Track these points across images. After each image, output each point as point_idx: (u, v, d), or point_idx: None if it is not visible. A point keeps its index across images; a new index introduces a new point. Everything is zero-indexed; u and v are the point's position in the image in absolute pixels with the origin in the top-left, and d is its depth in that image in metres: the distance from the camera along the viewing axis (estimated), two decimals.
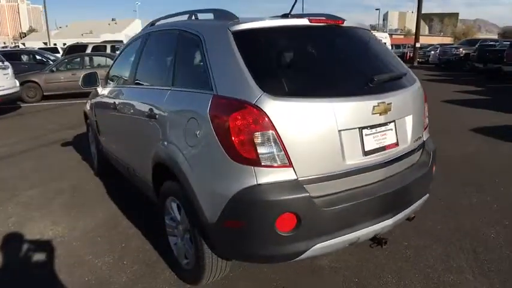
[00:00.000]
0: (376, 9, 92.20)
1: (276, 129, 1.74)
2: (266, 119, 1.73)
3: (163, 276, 2.48)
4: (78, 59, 11.43)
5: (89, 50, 15.48)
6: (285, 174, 1.77)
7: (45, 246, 2.90)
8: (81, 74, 11.51)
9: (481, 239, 2.85)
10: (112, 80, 3.69)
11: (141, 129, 2.66)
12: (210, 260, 2.11)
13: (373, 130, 2.02)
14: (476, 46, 16.63)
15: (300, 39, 2.11)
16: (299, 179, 1.79)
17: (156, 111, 2.37)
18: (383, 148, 2.07)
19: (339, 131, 1.88)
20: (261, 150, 1.73)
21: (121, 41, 24.72)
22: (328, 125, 1.85)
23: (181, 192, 2.13)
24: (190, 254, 2.24)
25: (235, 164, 1.76)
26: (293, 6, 2.28)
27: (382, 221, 2.04)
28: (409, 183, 2.15)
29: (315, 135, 1.82)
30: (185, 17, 2.65)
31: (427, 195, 2.40)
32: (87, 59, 11.58)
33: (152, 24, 3.19)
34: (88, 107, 4.32)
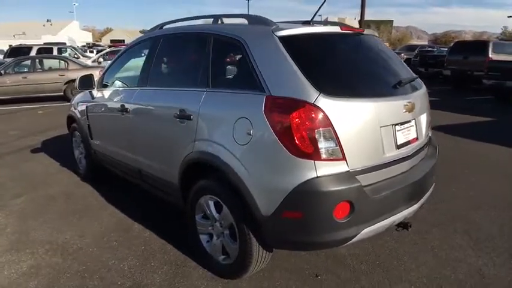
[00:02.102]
0: (319, 16, 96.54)
1: (332, 126, 1.91)
2: (325, 117, 1.89)
3: (197, 274, 2.52)
4: (29, 62, 10.66)
5: (33, 52, 14.48)
6: (340, 167, 1.95)
7: (62, 253, 2.78)
8: (33, 77, 10.75)
9: (469, 221, 3.25)
10: (111, 83, 3.60)
11: (166, 131, 2.67)
12: (257, 252, 2.21)
13: (402, 126, 2.28)
14: (416, 51, 18.17)
15: (336, 44, 2.31)
16: (350, 170, 1.98)
17: (190, 112, 2.41)
18: (408, 142, 2.34)
19: (380, 127, 2.10)
20: (321, 145, 1.90)
21: (63, 43, 23.29)
22: (372, 122, 2.06)
23: (226, 189, 2.22)
24: (232, 248, 2.32)
25: (296, 158, 1.90)
26: (315, 14, 2.49)
27: (411, 206, 2.30)
28: (426, 173, 2.44)
29: (362, 131, 2.03)
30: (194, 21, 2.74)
31: (434, 184, 2.72)
32: (37, 61, 10.83)
33: (161, 27, 3.21)
34: (76, 111, 4.15)
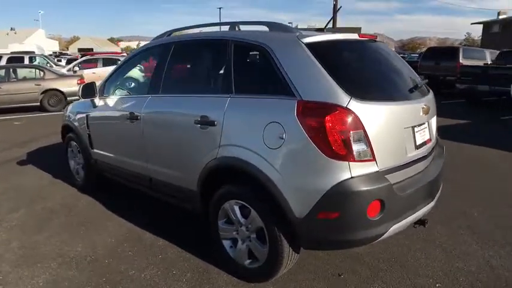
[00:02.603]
0: (289, 23, 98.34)
1: (364, 128, 2.00)
2: (358, 119, 1.98)
3: (222, 280, 2.52)
4: (2, 71, 10.21)
5: (3, 62, 13.88)
6: (371, 167, 2.04)
7: (77, 266, 2.70)
8: (8, 87, 10.34)
9: (469, 217, 3.44)
10: (115, 91, 3.55)
11: (185, 137, 2.67)
12: (287, 254, 2.26)
13: (419, 128, 2.41)
14: None
15: (357, 50, 2.42)
16: (379, 170, 2.08)
17: (213, 118, 2.43)
18: (424, 143, 2.47)
19: (403, 128, 2.22)
20: (354, 147, 1.98)
21: (32, 52, 22.49)
22: (397, 124, 2.18)
23: (256, 193, 2.26)
24: (260, 252, 2.35)
25: (331, 160, 1.97)
26: (328, 22, 2.61)
27: (428, 204, 2.43)
28: (439, 172, 2.59)
29: (388, 133, 2.13)
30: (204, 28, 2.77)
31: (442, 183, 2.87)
32: (11, 70, 10.41)
33: (169, 34, 3.21)
34: (74, 120, 4.05)
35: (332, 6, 25.97)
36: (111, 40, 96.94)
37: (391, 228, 2.13)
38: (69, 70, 13.41)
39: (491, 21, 33.31)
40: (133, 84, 3.46)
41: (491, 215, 3.51)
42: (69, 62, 21.76)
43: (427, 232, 3.14)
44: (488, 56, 13.13)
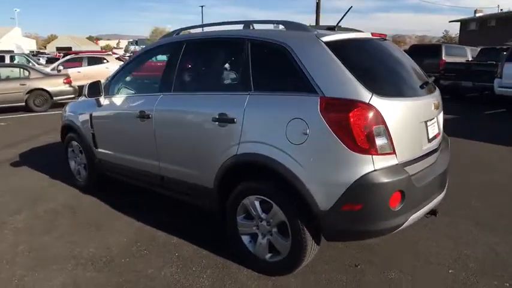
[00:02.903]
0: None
1: (385, 123, 2.07)
2: (379, 115, 2.05)
3: (243, 275, 2.56)
4: None
5: None
6: (392, 160, 2.12)
7: (94, 267, 2.68)
8: None
9: (468, 208, 3.58)
10: (122, 90, 3.52)
11: (201, 135, 2.69)
12: (310, 246, 2.31)
13: (431, 122, 2.50)
14: None
15: (371, 48, 2.49)
16: (399, 163, 2.16)
17: (232, 115, 2.45)
18: (435, 137, 2.57)
19: (419, 123, 2.30)
20: (377, 141, 2.05)
21: (12, 51, 21.83)
22: (414, 118, 2.27)
23: (278, 188, 2.30)
24: (283, 245, 2.39)
25: (355, 154, 2.04)
26: (339, 21, 2.66)
27: (440, 194, 2.53)
28: (447, 164, 2.69)
29: (406, 127, 2.22)
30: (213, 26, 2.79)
31: None
32: None
33: (177, 33, 3.21)
34: (76, 119, 3.98)
35: (315, 4, 26.40)
36: (90, 38, 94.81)
37: (410, 218, 2.22)
38: (53, 69, 13.08)
39: (468, 19, 34.33)
40: (142, 82, 3.43)
41: (489, 205, 3.66)
42: (49, 61, 21.26)
43: (432, 222, 3.25)
44: (469, 53, 13.56)
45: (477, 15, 34.52)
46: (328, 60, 2.19)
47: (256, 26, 2.76)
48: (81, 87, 12.49)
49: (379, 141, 2.06)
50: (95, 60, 13.96)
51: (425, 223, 3.20)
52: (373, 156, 2.05)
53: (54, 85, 10.34)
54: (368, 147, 2.04)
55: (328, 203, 2.12)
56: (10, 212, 3.63)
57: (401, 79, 2.47)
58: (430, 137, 2.48)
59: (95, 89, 3.48)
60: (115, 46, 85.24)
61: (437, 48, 13.04)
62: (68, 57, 14.40)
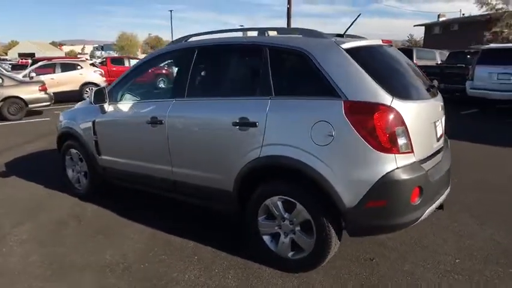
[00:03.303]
0: (241, 25, 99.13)
1: (405, 124, 2.23)
2: (400, 116, 2.21)
3: (266, 273, 2.62)
4: None
5: None
6: (411, 158, 2.28)
7: (113, 274, 2.67)
8: None
9: (464, 203, 3.81)
10: (128, 96, 3.51)
11: (220, 139, 2.75)
12: (334, 243, 2.42)
13: (438, 123, 2.69)
14: None
15: (383, 54, 2.65)
16: (416, 161, 2.32)
17: (254, 119, 2.53)
18: (441, 136, 2.76)
19: (430, 123, 2.48)
20: (399, 141, 2.20)
21: None
22: (427, 119, 2.45)
23: (303, 188, 2.41)
24: (307, 243, 2.49)
25: (380, 153, 2.18)
26: (347, 28, 2.82)
27: (446, 189, 2.72)
28: (450, 162, 2.90)
29: (420, 127, 2.39)
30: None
31: None
32: None
33: (186, 39, 3.25)
34: (75, 127, 3.91)
35: (286, 10, 26.83)
36: (54, 44, 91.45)
37: (426, 212, 2.38)
38: (24, 76, 12.59)
39: (432, 23, 36.00)
40: (152, 89, 3.43)
41: (478, 199, 3.92)
42: (13, 67, 20.39)
43: (433, 217, 3.43)
44: (438, 56, 14.25)
45: (440, 19, 36.30)
46: (349, 66, 2.32)
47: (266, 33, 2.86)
48: (58, 94, 12.18)
49: (401, 141, 2.22)
50: (68, 67, 13.57)
51: (430, 218, 3.37)
52: (396, 155, 2.20)
53: (29, 92, 9.98)
54: (391, 147, 2.19)
55: (353, 201, 2.24)
56: (12, 224, 3.52)
57: (411, 82, 2.64)
58: (438, 136, 2.67)
59: (100, 95, 3.45)
60: (80, 52, 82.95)
61: (409, 51, 13.62)
62: (39, 63, 13.88)
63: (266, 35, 2.82)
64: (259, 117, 2.52)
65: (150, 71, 3.84)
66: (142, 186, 3.55)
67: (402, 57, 2.88)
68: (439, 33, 34.41)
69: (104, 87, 3.52)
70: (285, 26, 25.74)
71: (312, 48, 2.44)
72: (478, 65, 8.70)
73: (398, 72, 2.64)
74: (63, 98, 12.82)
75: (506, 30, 21.61)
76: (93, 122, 3.70)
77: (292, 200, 2.48)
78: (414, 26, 36.61)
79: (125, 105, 3.46)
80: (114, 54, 52.37)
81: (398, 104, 2.23)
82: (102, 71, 14.90)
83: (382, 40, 2.72)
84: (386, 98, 2.22)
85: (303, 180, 2.38)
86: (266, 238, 2.69)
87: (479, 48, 9.76)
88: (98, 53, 70.74)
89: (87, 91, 13.52)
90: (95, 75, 13.92)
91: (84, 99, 13.33)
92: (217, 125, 2.76)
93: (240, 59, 2.96)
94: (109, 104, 3.55)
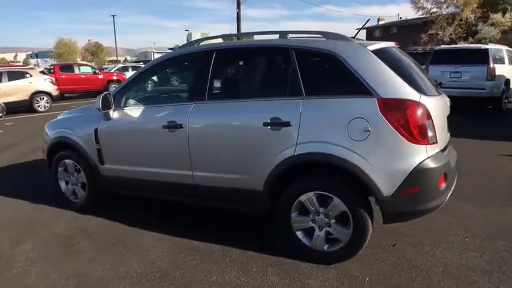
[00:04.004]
0: (186, 30, 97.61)
1: (431, 118, 2.46)
2: (428, 111, 2.43)
3: (303, 267, 2.71)
4: None
5: None
6: (436, 148, 2.51)
7: (151, 283, 2.61)
8: None
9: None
10: (136, 101, 3.41)
11: (251, 140, 2.80)
12: (369, 232, 2.59)
13: (447, 117, 2.96)
14: None
15: (398, 55, 2.88)
16: (439, 150, 2.56)
17: (287, 119, 2.62)
18: (448, 129, 3.04)
19: (445, 117, 2.75)
20: (429, 133, 2.42)
21: None
22: (443, 113, 2.71)
23: (341, 182, 2.55)
24: (344, 234, 2.62)
25: (413, 145, 2.38)
26: (357, 32, 3.04)
27: (454, 181, 2.98)
28: (456, 153, 3.19)
29: (439, 121, 2.63)
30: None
31: None
32: None
33: (198, 44, 3.26)
34: (72, 136, 3.71)
35: (235, 14, 27.02)
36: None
37: (447, 198, 2.63)
38: None
39: (373, 26, 38.31)
40: (167, 93, 3.37)
41: (462, 184, 4.33)
42: None
43: (439, 210, 3.68)
44: None
45: (380, 23, 38.81)
46: (378, 66, 2.51)
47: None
48: (6, 104, 11.22)
49: (430, 133, 2.44)
50: (16, 75, 12.57)
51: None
52: (426, 146, 2.42)
53: None
54: (422, 139, 2.40)
55: (390, 189, 2.42)
56: (12, 244, 3.27)
57: (425, 80, 2.89)
58: (448, 129, 2.95)
59: (107, 102, 3.33)
60: (12, 60, 76.79)
61: None
62: (5, 69, 12.76)
63: (288, 37, 2.92)
64: (293, 117, 2.61)
65: (101, 78, 3.76)
66: (153, 193, 3.47)
67: (409, 58, 3.14)
68: (379, 36, 36.73)
69: (109, 93, 3.39)
70: (235, 30, 25.94)
71: (341, 50, 2.60)
72: (432, 65, 9.48)
73: (414, 71, 2.88)
74: (12, 109, 11.91)
75: (440, 32, 23.57)
76: (95, 130, 3.54)
77: (328, 194, 2.60)
78: (356, 29, 38.73)
79: (134, 110, 3.36)
80: (51, 61, 49.03)
81: (425, 100, 2.45)
82: (53, 79, 14.00)
83: (395, 43, 2.95)
84: (415, 95, 2.44)
85: (341, 174, 2.52)
86: (299, 233, 2.78)
87: (432, 49, 10.66)
88: (32, 61, 65.92)
89: (37, 101, 12.67)
90: (46, 84, 13.05)
91: (36, 109, 12.51)
92: (247, 126, 2.81)
93: (265, 61, 3.03)
94: (114, 111, 3.43)
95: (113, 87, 18.14)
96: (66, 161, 3.88)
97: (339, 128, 2.49)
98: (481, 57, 8.92)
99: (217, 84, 3.05)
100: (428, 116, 2.45)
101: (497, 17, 22.06)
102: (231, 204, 3.09)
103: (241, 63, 3.14)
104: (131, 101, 3.45)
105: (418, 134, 2.39)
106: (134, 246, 3.14)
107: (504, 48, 10.13)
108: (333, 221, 2.65)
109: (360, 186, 2.50)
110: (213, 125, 2.98)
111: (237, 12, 25.89)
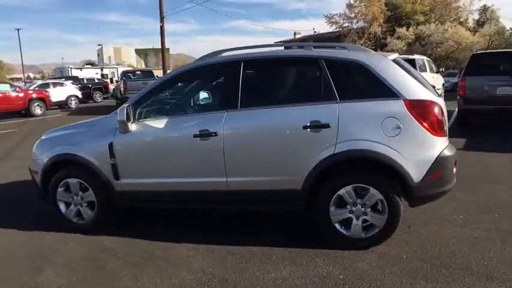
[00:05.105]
0: (99, 45, 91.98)
1: (444, 114, 2.98)
2: (442, 109, 2.95)
3: (346, 255, 2.98)
4: None
5: None
6: (447, 140, 3.04)
7: None
8: None
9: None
10: (158, 112, 3.40)
11: (291, 143, 3.03)
12: (401, 216, 3.00)
13: None
14: None
15: (404, 64, 3.35)
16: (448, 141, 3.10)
17: (326, 121, 2.91)
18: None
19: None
20: (445, 127, 2.93)
21: None
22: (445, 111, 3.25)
23: (378, 173, 2.92)
24: (380, 220, 2.98)
25: (435, 137, 2.87)
26: (362, 43, 3.49)
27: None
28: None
29: (445, 117, 3.17)
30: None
31: None
32: None
33: (218, 54, 3.39)
34: (81, 152, 3.50)
35: (159, 28, 26.57)
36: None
37: (454, 182, 3.18)
38: None
39: (291, 39, 40.66)
40: (196, 103, 3.40)
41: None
42: None
43: (441, 203, 3.92)
44: None
45: (297, 36, 41.38)
46: (399, 72, 2.97)
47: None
48: None
49: (445, 127, 2.96)
50: None
51: (435, 205, 3.97)
52: (443, 137, 2.94)
53: None
54: (440, 132, 2.91)
55: (419, 176, 2.87)
56: (29, 274, 2.97)
57: (428, 84, 3.43)
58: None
59: (127, 114, 3.26)
60: None
61: None
62: None
63: (312, 49, 3.23)
64: (331, 119, 2.92)
65: (21, 96, 3.72)
66: (178, 203, 3.47)
67: (410, 66, 3.69)
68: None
69: (128, 105, 3.31)
70: (151, 44, 25.34)
71: (368, 60, 3.00)
72: (469, 76, 9.80)
73: (420, 77, 3.41)
74: None
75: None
76: (110, 144, 3.42)
77: (365, 186, 2.95)
78: (274, 42, 40.81)
79: (157, 122, 3.34)
80: None
81: (438, 100, 2.97)
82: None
83: (398, 54, 3.46)
84: (431, 96, 2.94)
85: (377, 167, 2.89)
86: (337, 225, 3.08)
87: None
88: None
89: None
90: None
91: None
92: (286, 130, 3.03)
93: (296, 70, 3.28)
94: (132, 123, 3.36)
95: (35, 106, 16.25)
96: (69, 180, 3.63)
97: (374, 126, 2.87)
98: None
99: (248, 92, 3.20)
100: (443, 113, 2.96)
101: (402, 31, 25.36)
102: (265, 205, 3.26)
103: (272, 72, 3.34)
104: (151, 113, 3.42)
105: (438, 127, 2.89)
106: (172, 259, 3.11)
107: None
108: (369, 209, 3.01)
109: (394, 176, 2.90)
110: (249, 131, 3.14)
111: (161, 26, 25.47)
